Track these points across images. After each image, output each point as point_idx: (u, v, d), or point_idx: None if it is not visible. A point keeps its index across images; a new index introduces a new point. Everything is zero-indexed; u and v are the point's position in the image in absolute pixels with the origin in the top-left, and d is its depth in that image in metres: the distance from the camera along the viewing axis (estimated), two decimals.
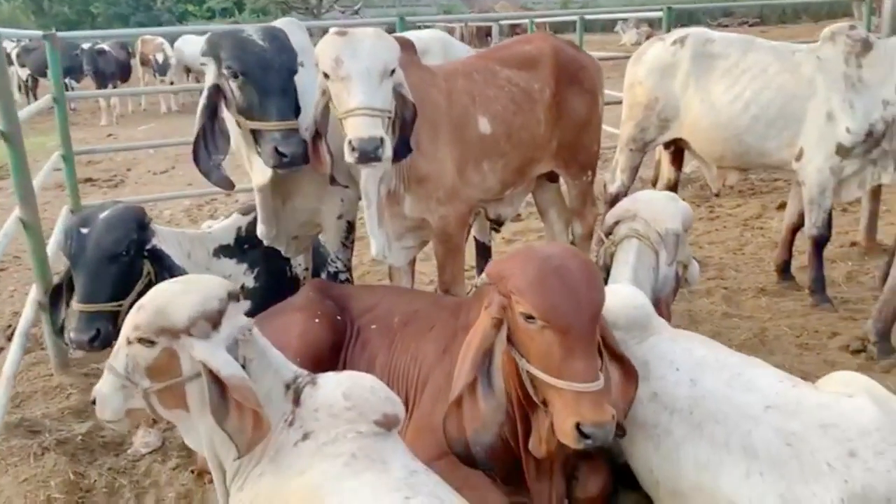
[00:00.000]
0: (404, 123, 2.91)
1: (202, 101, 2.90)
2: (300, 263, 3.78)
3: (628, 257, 3.02)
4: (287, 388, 2.15)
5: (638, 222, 3.07)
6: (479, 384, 2.28)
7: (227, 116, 2.98)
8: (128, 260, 2.94)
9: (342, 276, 3.62)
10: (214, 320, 2.05)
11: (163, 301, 2.08)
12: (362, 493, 1.89)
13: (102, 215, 2.98)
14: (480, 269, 4.68)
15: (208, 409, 2.01)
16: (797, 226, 4.49)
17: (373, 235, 3.13)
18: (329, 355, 2.83)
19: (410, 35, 4.09)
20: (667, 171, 5.00)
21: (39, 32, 5.20)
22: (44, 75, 16.50)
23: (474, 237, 4.68)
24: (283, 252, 3.56)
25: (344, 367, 2.85)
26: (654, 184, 5.18)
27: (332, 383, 2.15)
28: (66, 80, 14.22)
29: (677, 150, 4.82)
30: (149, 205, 6.47)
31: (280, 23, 3.33)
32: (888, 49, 3.97)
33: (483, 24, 14.33)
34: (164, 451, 3.03)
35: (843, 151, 3.98)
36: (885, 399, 2.25)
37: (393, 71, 2.71)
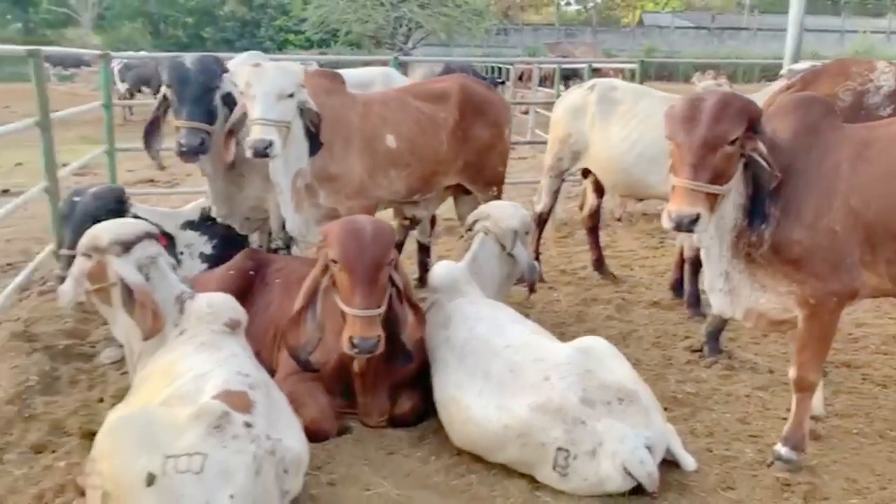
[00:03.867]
0: (313, 128, 3.91)
1: (156, 103, 4.00)
2: (255, 240, 4.82)
3: (474, 246, 3.92)
4: (177, 300, 3.17)
5: (488, 221, 3.97)
6: (309, 311, 3.23)
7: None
8: None
9: (281, 252, 4.62)
10: (127, 246, 3.09)
11: (97, 230, 3.15)
12: (197, 361, 2.87)
13: (91, 190, 4.11)
14: (422, 266, 5.62)
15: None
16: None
17: (286, 217, 4.13)
18: (236, 298, 3.80)
19: (361, 71, 5.14)
20: (590, 197, 5.83)
21: (97, 52, 6.49)
22: (139, 90, 18.64)
23: (416, 239, 5.60)
24: (237, 229, 4.61)
25: (248, 308, 3.84)
26: (581, 208, 6.01)
27: (203, 298, 3.16)
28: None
29: (597, 180, 5.66)
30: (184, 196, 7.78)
31: (245, 55, 4.44)
32: None
33: (524, 66, 15.31)
34: (121, 363, 4.05)
35: None
36: (596, 351, 3.08)
37: (292, 94, 3.71)
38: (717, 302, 3.17)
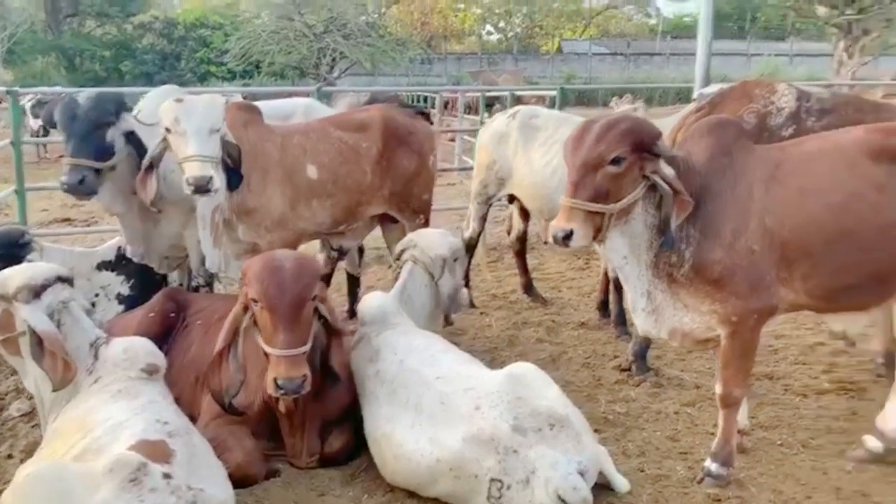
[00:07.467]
0: (233, 161, 3.82)
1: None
2: (175, 278, 4.67)
3: (402, 276, 3.87)
4: (91, 346, 3.02)
5: (416, 249, 3.94)
6: (230, 352, 3.12)
7: None
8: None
9: (202, 290, 4.48)
10: (36, 291, 2.92)
11: (3, 275, 2.97)
12: (113, 410, 2.73)
13: None
14: (351, 297, 5.53)
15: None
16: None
17: (206, 252, 4.01)
18: (156, 340, 3.66)
19: (281, 102, 5.08)
20: (517, 222, 5.88)
21: (2, 88, 6.23)
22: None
23: (345, 270, 5.53)
24: (155, 268, 4.45)
25: (169, 350, 3.70)
26: (508, 233, 6.05)
27: (118, 343, 3.03)
28: None
29: (523, 205, 5.71)
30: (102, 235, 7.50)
31: (161, 89, 4.33)
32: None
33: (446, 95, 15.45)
34: (32, 416, 3.83)
35: None
36: (526, 378, 3.06)
37: (219, 128, 3.64)
38: (640, 322, 3.21)
